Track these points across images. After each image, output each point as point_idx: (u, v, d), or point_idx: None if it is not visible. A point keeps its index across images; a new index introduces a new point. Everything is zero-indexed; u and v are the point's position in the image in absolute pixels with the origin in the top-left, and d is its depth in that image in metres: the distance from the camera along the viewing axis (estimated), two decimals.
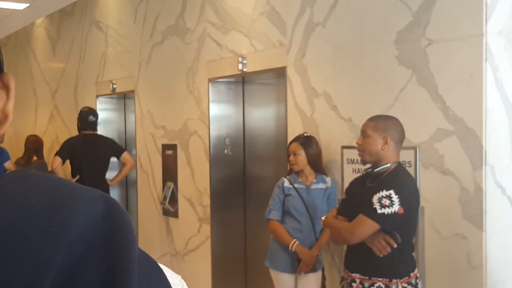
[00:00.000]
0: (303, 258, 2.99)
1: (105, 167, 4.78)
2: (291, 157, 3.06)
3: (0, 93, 0.49)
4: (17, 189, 0.40)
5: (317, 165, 3.07)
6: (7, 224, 0.37)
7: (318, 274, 3.08)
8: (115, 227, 0.40)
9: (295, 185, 3.06)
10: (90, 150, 4.68)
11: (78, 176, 4.68)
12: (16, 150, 7.21)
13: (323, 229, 2.98)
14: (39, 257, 0.36)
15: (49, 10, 6.50)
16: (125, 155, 4.77)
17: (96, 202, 0.41)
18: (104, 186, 4.70)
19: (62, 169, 4.66)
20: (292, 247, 2.99)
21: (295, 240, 3.00)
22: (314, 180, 3.05)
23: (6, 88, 0.49)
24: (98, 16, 5.64)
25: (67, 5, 6.22)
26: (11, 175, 0.42)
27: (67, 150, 4.64)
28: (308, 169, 3.06)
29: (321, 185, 3.05)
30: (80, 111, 4.90)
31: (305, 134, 3.12)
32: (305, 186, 3.05)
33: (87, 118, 4.77)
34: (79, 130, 4.83)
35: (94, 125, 4.80)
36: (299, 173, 3.09)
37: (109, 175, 4.92)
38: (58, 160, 4.55)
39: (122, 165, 4.84)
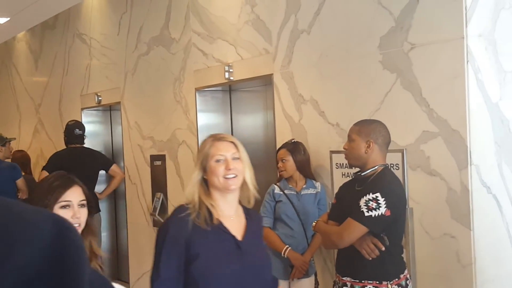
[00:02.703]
0: (296, 263, 3.01)
1: (93, 180, 4.74)
2: (280, 164, 3.09)
3: None
4: None
5: (306, 170, 3.10)
6: None
7: (311, 279, 3.10)
8: (64, 251, 0.39)
9: (286, 192, 3.08)
10: (78, 164, 4.63)
11: None
12: None
13: (314, 234, 3.00)
14: None
15: (31, 23, 6.46)
16: (113, 167, 4.74)
17: (45, 226, 0.40)
18: (94, 200, 4.65)
19: None
20: (284, 254, 3.01)
21: (287, 246, 3.02)
22: (304, 186, 3.08)
23: None
24: (81, 29, 5.63)
25: (48, 18, 6.19)
26: None
27: (54, 164, 4.58)
28: (297, 175, 3.09)
29: (311, 191, 3.08)
30: (66, 125, 4.87)
31: (292, 141, 3.15)
32: (295, 192, 3.07)
33: (73, 131, 4.74)
34: (66, 143, 4.79)
35: (81, 138, 4.76)
36: (289, 179, 3.11)
37: (98, 188, 4.89)
38: (45, 174, 4.50)
39: (111, 178, 4.81)
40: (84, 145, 4.83)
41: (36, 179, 4.69)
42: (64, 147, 4.85)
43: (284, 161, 3.07)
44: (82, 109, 5.63)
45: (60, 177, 1.82)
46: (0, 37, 7.22)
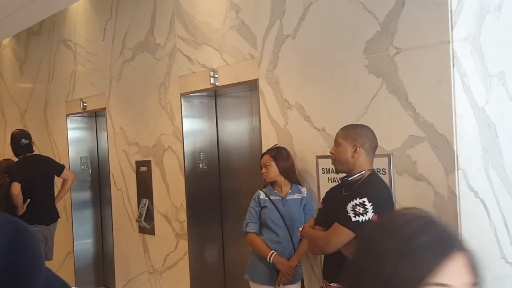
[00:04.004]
0: (281, 269, 2.99)
1: (52, 186, 4.69)
2: (263, 170, 3.10)
3: None
4: None
5: (291, 175, 3.09)
6: None
7: (298, 286, 3.06)
8: (19, 254, 0.39)
9: (271, 197, 3.06)
10: (39, 172, 4.54)
11: (28, 200, 4.44)
12: None
13: (301, 240, 2.97)
14: None
15: (16, 30, 6.40)
16: (65, 171, 4.68)
17: (2, 228, 0.40)
18: (55, 206, 4.58)
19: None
20: (270, 259, 2.99)
21: (272, 251, 3.00)
22: (290, 191, 3.06)
23: None
24: (66, 35, 5.57)
25: (34, 24, 6.12)
26: None
27: (21, 174, 4.44)
28: (282, 180, 3.08)
29: (297, 196, 3.05)
30: (11, 135, 4.71)
31: (275, 146, 3.14)
32: (281, 198, 3.06)
33: (19, 142, 4.61)
34: (15, 155, 4.66)
35: (29, 147, 4.63)
36: (274, 184, 3.10)
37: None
38: (18, 185, 4.35)
39: (63, 181, 4.70)
40: (34, 153, 4.70)
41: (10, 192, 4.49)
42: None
43: (267, 166, 3.08)
44: (68, 115, 5.57)
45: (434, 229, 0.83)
46: None
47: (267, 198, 3.07)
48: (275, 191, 3.08)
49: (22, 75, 6.65)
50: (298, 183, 3.11)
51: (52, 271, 0.42)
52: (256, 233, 3.08)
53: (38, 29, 6.12)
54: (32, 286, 0.38)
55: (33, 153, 4.69)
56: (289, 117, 3.22)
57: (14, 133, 4.74)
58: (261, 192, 3.11)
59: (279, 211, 3.03)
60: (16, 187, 4.34)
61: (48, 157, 4.86)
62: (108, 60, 4.87)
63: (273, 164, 3.06)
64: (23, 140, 4.62)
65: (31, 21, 5.99)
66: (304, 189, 3.08)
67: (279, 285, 3.03)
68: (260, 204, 3.09)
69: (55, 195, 4.72)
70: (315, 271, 3.15)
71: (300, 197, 3.06)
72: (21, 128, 5.34)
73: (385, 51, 2.68)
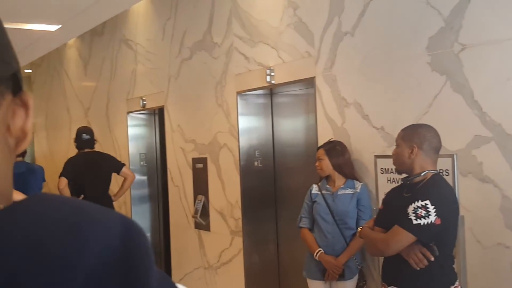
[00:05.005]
0: (327, 267, 3.00)
1: (107, 183, 4.75)
2: (317, 163, 3.11)
3: (19, 111, 0.49)
4: (35, 213, 0.39)
5: (345, 170, 3.05)
6: (23, 251, 0.36)
7: (353, 281, 3.01)
8: (133, 250, 0.39)
9: (323, 191, 3.07)
10: (91, 168, 4.65)
11: (82, 196, 4.58)
12: (50, 169, 7.38)
13: (354, 236, 2.95)
14: (57, 283, 0.35)
15: (80, 30, 6.67)
16: (124, 169, 4.74)
17: (114, 225, 0.40)
18: (108, 203, 4.67)
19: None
20: (316, 256, 3.01)
21: (319, 249, 3.02)
22: (342, 186, 3.04)
23: (25, 106, 0.49)
24: (127, 35, 5.75)
25: (97, 25, 6.37)
26: (30, 199, 0.41)
27: (70, 170, 4.60)
28: (336, 175, 3.06)
29: (349, 191, 3.02)
30: (76, 131, 4.88)
31: (330, 140, 3.14)
32: (331, 192, 3.04)
33: (81, 136, 4.76)
34: (77, 149, 4.81)
35: (89, 142, 4.76)
36: (328, 179, 3.10)
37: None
38: (65, 180, 4.51)
39: (123, 180, 4.79)
40: (95, 149, 4.83)
41: (56, 187, 4.69)
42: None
43: (320, 160, 3.09)
44: (128, 112, 5.75)
45: None
46: (52, 44, 7.49)
47: (319, 193, 3.08)
48: (328, 186, 3.08)
49: (86, 74, 6.94)
50: (354, 178, 3.06)
51: (158, 268, 0.42)
52: (308, 228, 3.11)
53: (101, 29, 6.35)
54: (147, 283, 0.38)
55: (94, 149, 4.83)
56: (347, 116, 3.17)
57: (79, 128, 4.93)
58: (314, 186, 3.14)
59: (328, 206, 3.02)
60: (61, 182, 4.50)
61: (109, 155, 4.96)
62: (166, 59, 4.99)
63: (326, 158, 3.06)
64: (84, 135, 4.78)
65: (95, 21, 6.23)
66: (359, 185, 3.02)
67: (326, 282, 3.03)
68: (311, 199, 3.11)
69: (116, 193, 4.82)
70: (373, 273, 3.09)
71: (352, 192, 3.01)
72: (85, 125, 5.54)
73: (450, 48, 2.58)
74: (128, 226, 0.40)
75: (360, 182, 3.05)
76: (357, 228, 2.92)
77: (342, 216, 2.98)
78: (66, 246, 0.37)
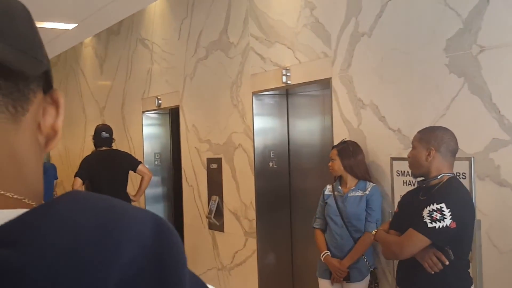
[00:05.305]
0: (331, 269, 3.01)
1: (124, 181, 4.74)
2: (330, 163, 3.11)
3: (49, 109, 0.49)
4: (69, 211, 0.39)
5: (356, 172, 3.03)
6: (57, 251, 0.36)
7: (363, 283, 3.00)
8: (166, 250, 0.39)
9: (335, 193, 3.08)
10: (108, 166, 4.64)
11: None
12: (66, 167, 7.46)
13: (359, 239, 2.95)
14: (92, 283, 0.35)
15: (97, 29, 6.73)
16: (141, 167, 4.70)
17: (147, 223, 0.40)
18: (126, 201, 4.67)
19: (83, 189, 4.63)
20: (322, 258, 3.04)
21: (325, 251, 3.04)
22: (353, 188, 3.03)
23: (56, 104, 0.49)
24: (143, 34, 5.79)
25: (113, 24, 6.42)
26: (63, 197, 0.41)
27: (86, 169, 4.60)
28: (348, 176, 3.05)
29: (359, 193, 3.01)
30: (95, 128, 4.90)
31: (343, 140, 3.13)
32: (342, 194, 3.04)
33: (100, 134, 4.76)
34: (95, 146, 4.83)
35: (108, 140, 4.77)
36: (341, 180, 3.09)
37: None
38: (79, 181, 4.50)
39: (141, 179, 4.76)
40: (112, 147, 4.83)
41: (71, 186, 4.70)
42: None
43: (332, 160, 3.08)
44: (143, 112, 5.78)
45: None
46: (69, 43, 7.57)
47: (331, 194, 3.09)
48: (340, 187, 3.08)
49: (102, 73, 7.00)
50: (366, 179, 3.03)
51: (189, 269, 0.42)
52: (320, 229, 3.13)
53: (117, 28, 6.40)
54: (180, 281, 0.38)
55: (111, 147, 4.85)
56: (363, 117, 3.16)
57: (98, 126, 4.96)
58: (328, 186, 3.14)
59: (338, 208, 3.02)
60: (75, 183, 4.49)
61: (126, 153, 4.96)
62: (182, 58, 5.01)
63: (338, 159, 3.05)
64: (103, 133, 4.79)
65: (111, 20, 6.28)
66: (370, 186, 3.00)
67: (332, 284, 3.05)
68: (324, 199, 3.13)
69: (135, 193, 4.82)
70: (387, 276, 3.07)
71: (361, 194, 2.99)
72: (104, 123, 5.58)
73: (468, 50, 2.55)
74: (160, 225, 0.40)
75: (372, 183, 3.03)
76: (364, 231, 2.92)
77: (350, 218, 2.98)
78: (99, 246, 0.37)
